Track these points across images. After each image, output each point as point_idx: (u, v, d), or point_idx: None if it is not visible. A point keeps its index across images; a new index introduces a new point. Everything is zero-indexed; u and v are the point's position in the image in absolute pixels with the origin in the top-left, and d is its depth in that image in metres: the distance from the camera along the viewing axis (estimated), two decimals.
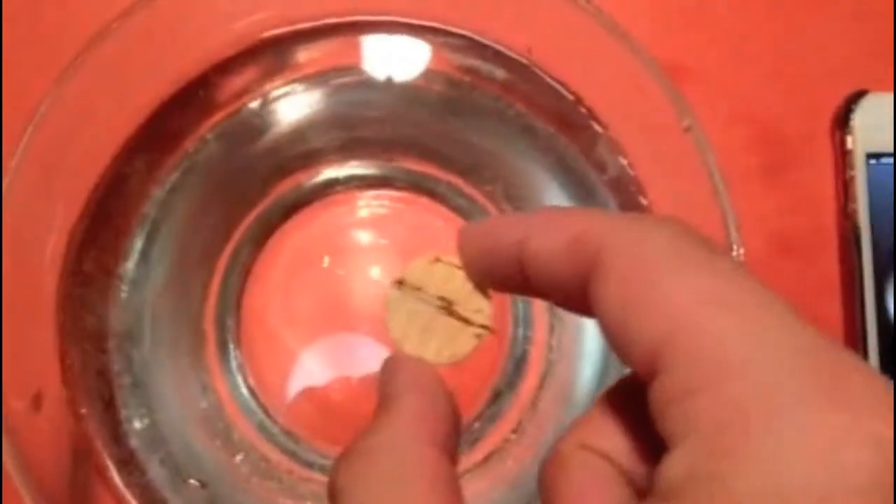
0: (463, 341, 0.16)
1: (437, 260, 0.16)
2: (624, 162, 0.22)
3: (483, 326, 0.16)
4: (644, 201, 0.22)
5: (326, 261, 0.27)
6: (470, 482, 0.25)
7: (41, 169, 0.22)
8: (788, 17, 0.30)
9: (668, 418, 0.11)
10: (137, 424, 0.23)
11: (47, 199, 0.22)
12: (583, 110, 0.22)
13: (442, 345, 0.16)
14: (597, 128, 0.22)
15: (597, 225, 0.13)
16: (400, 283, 0.16)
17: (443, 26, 0.23)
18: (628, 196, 0.22)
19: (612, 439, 0.13)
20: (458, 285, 0.16)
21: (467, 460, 0.26)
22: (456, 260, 0.16)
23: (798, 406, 0.11)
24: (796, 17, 0.30)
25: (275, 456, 0.25)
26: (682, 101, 0.20)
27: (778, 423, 0.11)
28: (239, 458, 0.25)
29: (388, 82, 0.25)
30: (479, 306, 0.16)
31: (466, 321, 0.16)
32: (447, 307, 0.16)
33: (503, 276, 0.14)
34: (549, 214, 0.14)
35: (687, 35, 0.30)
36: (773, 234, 0.29)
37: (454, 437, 0.14)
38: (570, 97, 0.22)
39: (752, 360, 0.11)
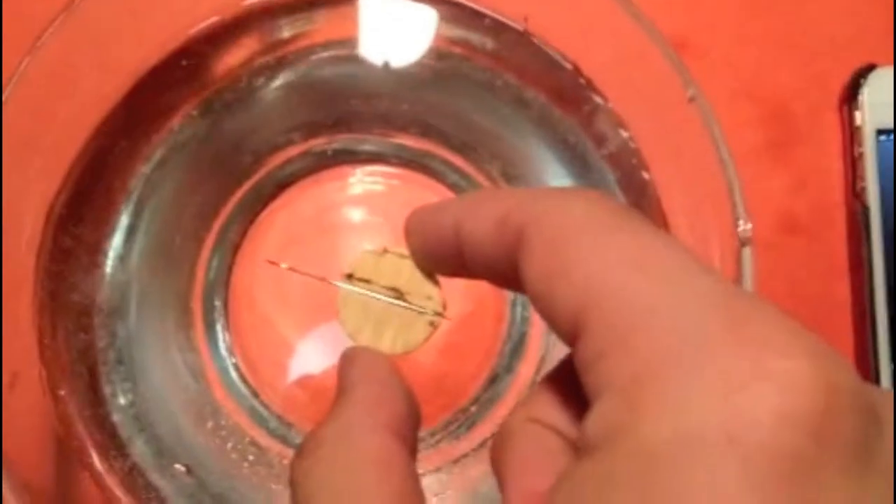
0: (417, 330, 0.16)
1: (385, 251, 0.16)
2: (625, 135, 0.21)
3: (436, 313, 0.16)
4: (646, 175, 0.21)
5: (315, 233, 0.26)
6: (467, 467, 0.25)
7: (16, 143, 0.21)
8: None
9: (589, 379, 0.12)
10: (121, 403, 0.23)
11: (24, 173, 0.22)
12: (582, 81, 0.21)
13: (396, 335, 0.16)
14: (597, 99, 0.22)
15: (520, 203, 0.13)
16: (349, 276, 0.17)
17: None
18: (629, 170, 0.22)
19: (558, 412, 0.14)
20: (406, 276, 0.16)
21: (464, 445, 0.25)
22: (403, 250, 0.16)
23: (702, 351, 0.11)
24: None
25: (265, 440, 0.25)
26: (685, 71, 0.19)
27: (683, 369, 0.11)
28: (229, 445, 0.24)
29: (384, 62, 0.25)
30: (429, 294, 0.17)
31: (418, 310, 0.16)
32: (398, 297, 0.16)
33: (445, 260, 0.15)
34: (478, 197, 0.14)
35: (691, 10, 0.29)
36: (780, 212, 0.28)
37: (409, 423, 0.14)
38: (569, 67, 0.21)
39: (658, 312, 0.11)
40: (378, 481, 0.13)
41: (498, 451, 0.14)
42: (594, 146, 0.22)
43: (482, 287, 0.26)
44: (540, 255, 0.12)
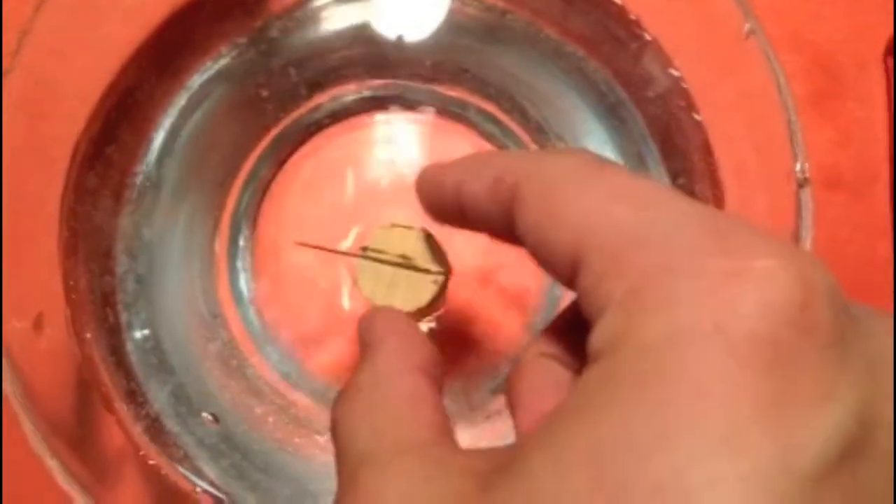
0: (424, 289, 0.19)
1: (394, 226, 0.19)
2: (676, 74, 0.20)
3: (440, 273, 0.19)
4: (697, 117, 0.20)
5: (350, 179, 0.25)
6: (499, 422, 0.24)
7: (37, 81, 0.20)
8: None
9: (591, 306, 0.13)
10: (144, 347, 0.22)
11: (48, 113, 0.21)
12: (631, 17, 0.20)
13: (406, 295, 0.19)
14: (646, 37, 0.21)
15: (513, 163, 0.14)
16: (364, 248, 0.19)
17: None
18: (677, 111, 0.21)
19: (567, 346, 0.15)
20: (412, 243, 0.19)
21: (492, 403, 0.24)
22: (409, 223, 0.19)
23: (691, 260, 0.12)
24: None
25: (289, 393, 0.24)
26: (745, 1, 0.18)
27: (674, 276, 0.12)
28: (253, 395, 0.24)
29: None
30: (432, 256, 0.19)
31: (425, 271, 0.19)
32: (406, 263, 0.19)
33: (449, 216, 0.16)
34: (476, 159, 0.15)
35: None
36: (822, 167, 0.27)
37: (435, 364, 0.15)
38: (618, 2, 0.20)
39: (648, 233, 0.12)
40: (413, 414, 0.14)
41: (511, 383, 0.15)
42: (639, 88, 0.21)
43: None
44: (533, 205, 0.13)
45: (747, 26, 0.18)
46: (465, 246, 0.24)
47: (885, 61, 0.27)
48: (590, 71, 0.23)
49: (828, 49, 0.28)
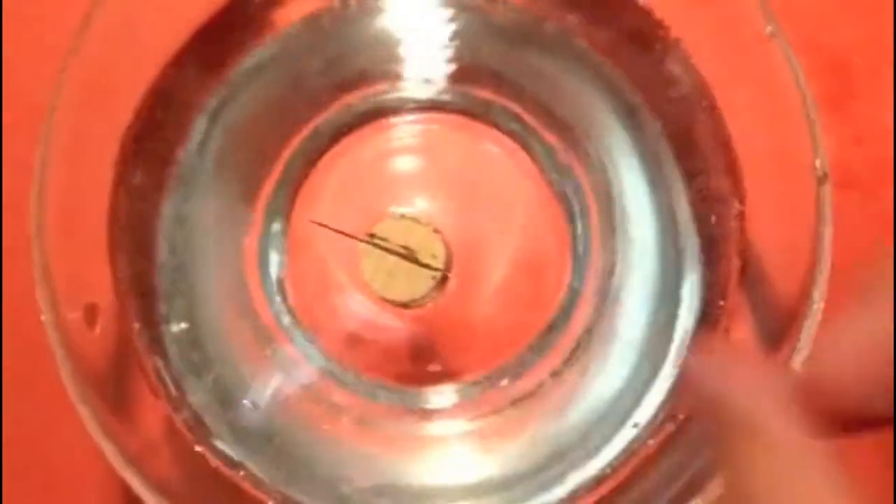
0: (421, 283, 0.20)
1: (403, 217, 0.20)
2: (698, 74, 0.21)
3: (438, 269, 0.20)
4: (719, 116, 0.21)
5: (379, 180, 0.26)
6: (522, 408, 0.25)
7: (85, 84, 0.21)
8: None
9: None
10: (182, 339, 0.23)
11: (99, 109, 0.22)
12: (656, 18, 0.21)
13: (404, 286, 0.20)
14: (671, 38, 0.21)
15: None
16: (371, 235, 0.20)
17: None
18: (700, 112, 0.22)
19: None
20: (418, 237, 0.20)
21: (520, 387, 0.25)
22: (417, 216, 0.20)
23: None
24: None
25: (320, 382, 0.25)
26: (767, 4, 0.19)
27: None
28: (286, 384, 0.24)
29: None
30: (434, 253, 0.20)
31: (425, 266, 0.20)
32: (409, 255, 0.20)
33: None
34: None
35: None
36: (833, 166, 0.28)
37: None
38: (643, 4, 0.21)
39: None
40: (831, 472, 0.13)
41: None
42: (662, 89, 0.22)
43: (545, 241, 0.26)
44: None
45: (769, 28, 0.19)
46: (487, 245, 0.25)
47: (895, 65, 0.28)
48: (613, 74, 0.24)
49: (841, 51, 0.29)
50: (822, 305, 0.19)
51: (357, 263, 0.26)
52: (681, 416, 0.22)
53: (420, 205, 0.25)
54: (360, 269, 0.20)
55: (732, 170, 0.22)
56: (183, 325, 0.24)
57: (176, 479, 0.22)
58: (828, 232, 0.19)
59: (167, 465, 0.22)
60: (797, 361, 0.19)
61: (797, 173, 0.19)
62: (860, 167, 0.28)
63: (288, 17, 0.24)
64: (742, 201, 0.21)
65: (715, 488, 0.18)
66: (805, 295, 0.19)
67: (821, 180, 0.19)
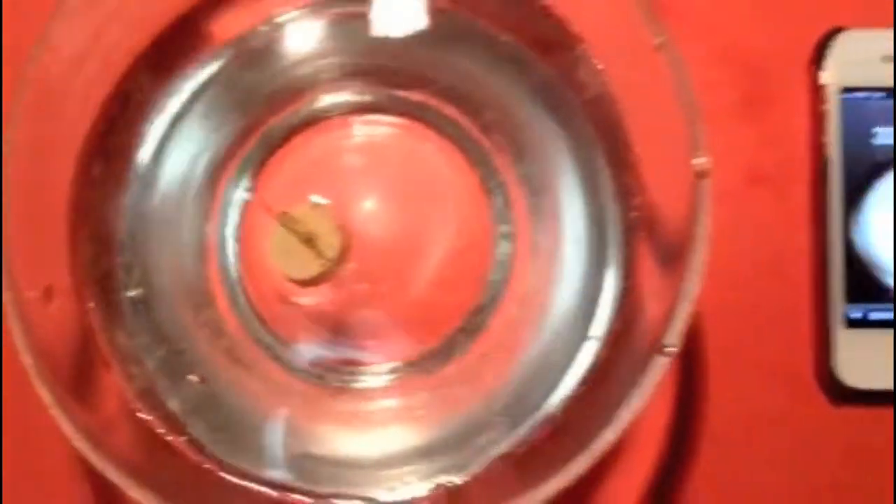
0: (310, 267, 0.23)
1: (316, 206, 0.23)
2: (602, 80, 0.23)
3: (330, 260, 0.23)
4: (620, 118, 0.23)
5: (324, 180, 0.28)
6: (452, 389, 0.27)
7: (46, 90, 0.23)
8: None
9: None
10: (139, 318, 0.25)
11: (57, 112, 0.24)
12: (569, 30, 0.23)
13: (296, 266, 0.23)
14: (580, 48, 0.24)
15: None
16: (284, 214, 0.23)
17: None
18: (605, 114, 0.24)
19: None
20: (323, 227, 0.23)
21: (450, 370, 0.27)
22: (328, 210, 0.22)
23: None
24: None
25: (260, 359, 0.27)
26: (654, 18, 0.21)
27: None
28: (237, 363, 0.26)
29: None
30: (332, 244, 0.23)
31: (319, 254, 0.22)
32: (309, 240, 0.22)
33: None
34: None
35: None
36: (749, 165, 0.31)
37: None
38: (558, 16, 0.24)
39: None
40: None
41: None
42: (577, 94, 0.25)
43: (472, 224, 0.28)
44: None
45: (657, 40, 0.21)
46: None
47: (809, 70, 0.30)
48: (542, 71, 0.26)
49: (758, 58, 0.31)
50: (697, 289, 0.21)
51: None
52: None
53: (356, 198, 0.27)
54: (270, 241, 0.23)
55: (635, 167, 0.24)
56: (139, 306, 0.26)
57: (134, 453, 0.24)
58: (706, 220, 0.21)
59: (125, 440, 0.24)
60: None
61: (684, 169, 0.21)
62: (772, 165, 0.31)
63: (228, 32, 0.26)
64: (642, 194, 0.24)
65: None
66: (684, 280, 0.21)
67: (700, 175, 0.21)
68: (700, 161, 0.21)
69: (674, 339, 0.21)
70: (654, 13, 0.21)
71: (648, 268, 0.24)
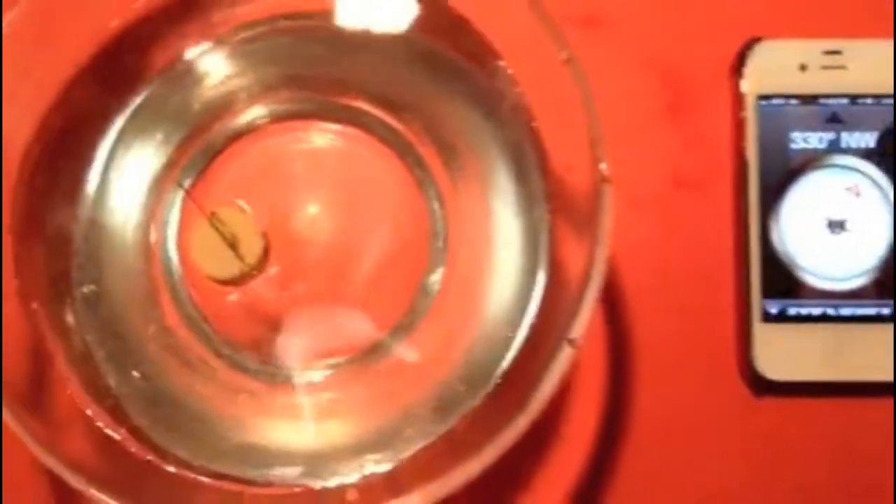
0: (225, 269, 0.24)
1: (243, 210, 0.24)
2: (518, 90, 0.25)
3: (249, 265, 0.24)
4: (535, 125, 0.25)
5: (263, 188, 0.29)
6: (385, 386, 0.28)
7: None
8: None
9: None
10: (88, 321, 0.27)
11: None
12: (487, 44, 0.25)
13: (212, 264, 0.24)
14: (499, 62, 0.25)
15: None
16: (213, 214, 0.24)
17: None
18: (523, 122, 0.25)
19: None
20: (246, 232, 0.24)
21: (382, 367, 0.28)
22: (251, 215, 0.23)
23: None
24: None
25: (212, 360, 0.28)
26: (561, 36, 0.22)
27: None
28: (179, 359, 0.28)
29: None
30: (253, 251, 0.24)
31: (239, 257, 0.24)
32: (232, 243, 0.24)
33: None
34: None
35: None
36: (675, 169, 0.32)
37: None
38: (476, 33, 0.25)
39: None
40: None
41: None
42: (497, 101, 0.26)
43: (407, 225, 0.29)
44: None
45: (564, 54, 0.22)
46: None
47: (730, 78, 0.32)
48: (470, 78, 0.27)
49: (682, 68, 0.32)
50: (597, 288, 0.23)
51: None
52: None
53: (295, 201, 0.29)
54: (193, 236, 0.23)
55: (549, 172, 0.25)
56: (91, 304, 0.27)
57: (85, 452, 0.26)
58: (606, 222, 0.22)
59: (77, 440, 0.26)
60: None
61: (591, 176, 0.23)
62: (696, 169, 0.32)
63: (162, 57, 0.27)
64: (557, 198, 0.25)
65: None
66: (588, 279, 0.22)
67: (603, 180, 0.22)
68: (602, 167, 0.22)
69: (578, 333, 0.23)
70: (560, 31, 0.23)
71: (565, 267, 0.26)
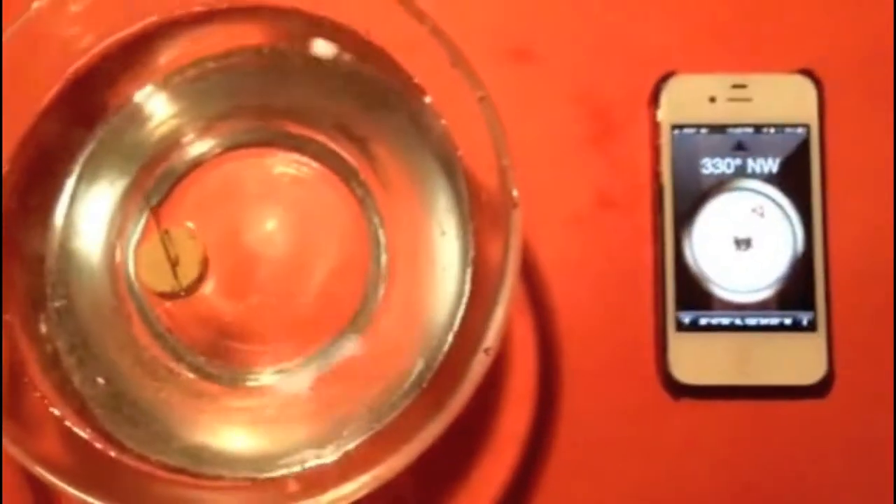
0: (160, 283, 0.27)
1: (193, 237, 0.26)
2: (443, 123, 0.28)
3: (181, 287, 0.27)
4: (459, 153, 0.28)
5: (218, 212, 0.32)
6: (327, 390, 0.31)
7: None
8: (618, 9, 0.36)
9: None
10: (57, 335, 0.29)
11: None
12: (414, 82, 0.28)
13: (153, 277, 0.27)
14: (425, 98, 0.28)
15: None
16: (166, 232, 0.27)
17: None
18: (449, 150, 0.28)
19: None
20: (190, 257, 0.27)
21: (326, 373, 0.31)
22: (197, 242, 0.26)
23: None
24: (623, 7, 0.36)
25: (174, 366, 0.31)
26: (475, 77, 0.25)
27: None
28: (144, 368, 0.31)
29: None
30: (188, 275, 0.27)
31: (175, 277, 0.27)
32: (174, 263, 0.27)
33: None
34: None
35: (533, 26, 0.36)
36: (600, 190, 0.35)
37: None
38: (405, 71, 0.28)
39: None
40: None
41: None
42: (427, 132, 0.29)
43: (352, 243, 0.32)
44: None
45: (479, 94, 0.25)
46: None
47: (649, 109, 0.35)
48: (408, 105, 0.30)
49: (607, 98, 0.36)
50: (509, 295, 0.25)
51: (220, 269, 0.32)
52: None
53: (252, 220, 0.32)
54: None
55: (474, 199, 0.28)
56: (63, 316, 0.30)
57: (57, 451, 0.28)
58: (515, 245, 0.25)
59: (49, 440, 0.29)
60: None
61: (504, 202, 0.26)
62: (619, 191, 0.35)
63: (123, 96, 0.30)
64: (476, 221, 0.28)
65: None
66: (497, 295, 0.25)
67: (514, 206, 0.25)
68: (515, 195, 0.25)
69: (490, 343, 0.26)
70: (474, 73, 0.26)
71: (487, 282, 0.28)
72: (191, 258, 0.27)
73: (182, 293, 0.27)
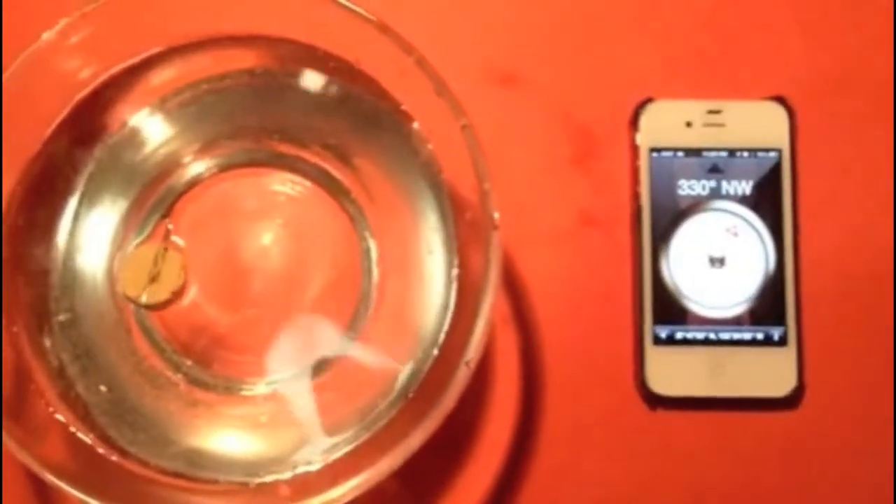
0: (135, 293, 0.28)
1: (169, 251, 0.28)
2: (430, 147, 0.30)
3: (147, 302, 0.28)
4: (443, 177, 0.30)
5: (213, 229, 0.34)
6: (320, 398, 0.33)
7: None
8: (599, 37, 0.37)
9: None
10: (64, 346, 0.31)
11: None
12: (402, 108, 0.30)
13: (129, 284, 0.29)
14: (413, 124, 0.30)
15: None
16: (165, 249, 0.28)
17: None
18: (435, 173, 0.30)
19: None
20: (170, 274, 0.29)
21: (319, 382, 0.33)
22: (179, 257, 0.27)
23: None
24: (604, 36, 0.37)
25: (163, 369, 0.32)
26: (458, 106, 0.27)
27: None
28: (144, 376, 0.32)
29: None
30: (163, 291, 0.28)
31: (150, 292, 0.28)
32: (153, 276, 0.28)
33: None
34: None
35: (518, 51, 0.37)
36: (581, 210, 0.37)
37: None
38: (395, 98, 0.30)
39: None
40: None
41: None
42: (415, 154, 0.31)
43: (344, 259, 0.34)
44: None
45: (462, 122, 0.27)
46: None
47: (629, 132, 0.37)
48: (397, 129, 0.32)
49: (589, 122, 0.37)
50: (489, 311, 0.27)
51: (219, 284, 0.34)
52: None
53: (249, 236, 0.33)
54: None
55: (458, 219, 0.30)
56: (66, 328, 0.32)
57: (61, 455, 0.30)
58: (495, 265, 0.27)
59: (54, 445, 0.30)
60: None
61: (485, 223, 0.28)
62: (600, 210, 0.37)
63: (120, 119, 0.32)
64: (460, 240, 0.30)
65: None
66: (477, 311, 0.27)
67: (494, 227, 0.27)
68: (495, 217, 0.27)
69: (471, 355, 0.27)
70: (458, 103, 0.27)
71: (470, 298, 0.30)
72: (168, 283, 0.28)
73: (146, 307, 0.29)
